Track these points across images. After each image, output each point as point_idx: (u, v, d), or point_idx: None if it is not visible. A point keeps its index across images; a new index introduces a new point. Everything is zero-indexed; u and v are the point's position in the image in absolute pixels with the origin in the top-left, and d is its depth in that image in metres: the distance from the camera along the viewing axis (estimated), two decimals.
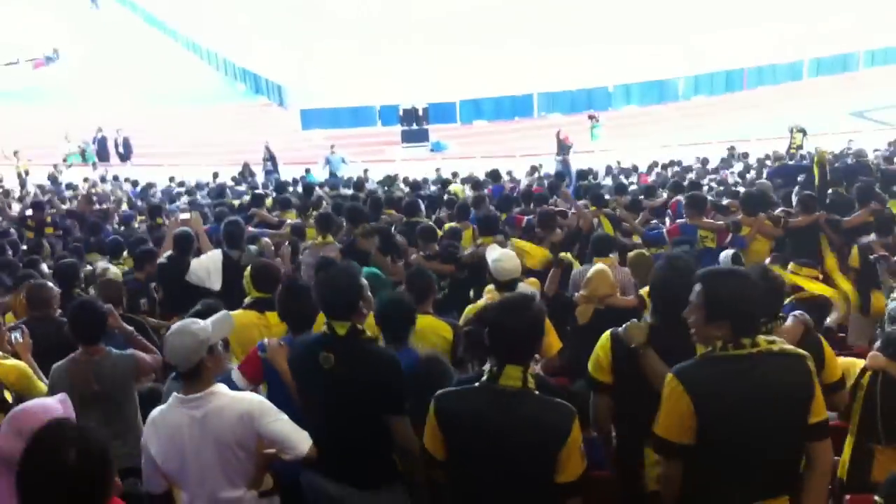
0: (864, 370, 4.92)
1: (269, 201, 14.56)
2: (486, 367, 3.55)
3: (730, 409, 3.29)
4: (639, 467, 4.07)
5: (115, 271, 8.55)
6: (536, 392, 3.47)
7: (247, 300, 6.19)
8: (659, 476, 3.59)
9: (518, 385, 3.43)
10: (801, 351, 3.45)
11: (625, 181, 17.24)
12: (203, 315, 4.44)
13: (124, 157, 32.66)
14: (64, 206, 16.58)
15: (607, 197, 12.46)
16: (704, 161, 22.85)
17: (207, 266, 7.46)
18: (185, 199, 19.46)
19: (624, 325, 4.13)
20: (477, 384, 3.53)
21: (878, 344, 5.06)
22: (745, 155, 23.97)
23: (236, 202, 16.15)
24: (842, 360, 5.14)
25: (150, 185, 22.85)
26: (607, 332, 4.22)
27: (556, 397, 3.56)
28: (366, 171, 23.49)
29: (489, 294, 6.48)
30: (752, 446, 3.32)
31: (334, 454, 4.11)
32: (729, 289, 3.43)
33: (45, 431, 2.68)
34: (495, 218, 9.93)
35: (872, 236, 8.40)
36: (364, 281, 4.33)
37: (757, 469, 3.34)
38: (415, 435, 4.03)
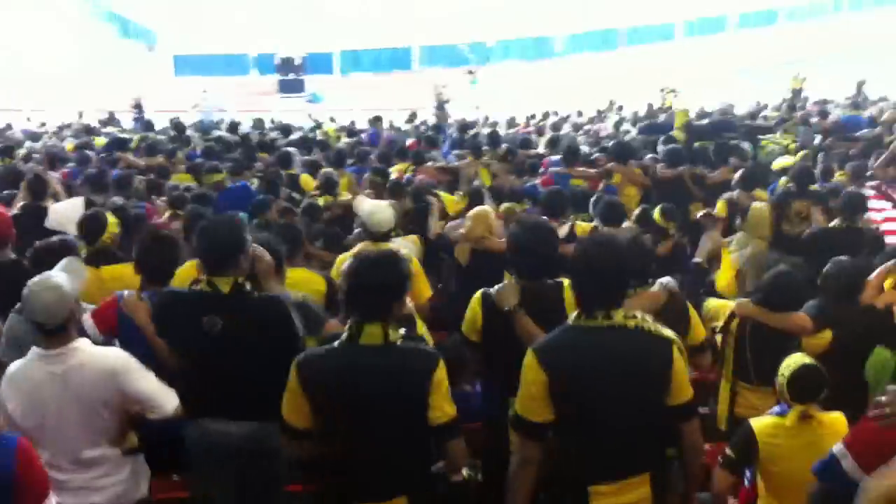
0: (731, 316, 5.11)
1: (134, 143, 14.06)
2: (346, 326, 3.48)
3: (579, 381, 3.28)
4: (503, 418, 4.06)
5: None
6: (399, 343, 3.43)
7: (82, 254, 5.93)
8: (511, 461, 3.51)
9: (379, 342, 3.37)
10: (664, 332, 3.40)
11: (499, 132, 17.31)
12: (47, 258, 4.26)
13: None
14: None
15: (484, 148, 12.50)
16: (579, 113, 23.25)
17: (67, 212, 7.10)
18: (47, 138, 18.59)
19: (496, 287, 4.14)
20: (336, 343, 3.45)
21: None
22: (621, 108, 24.43)
23: (101, 141, 15.43)
24: (717, 302, 5.45)
25: (7, 126, 21.73)
26: (479, 293, 4.25)
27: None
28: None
29: (363, 248, 6.42)
30: (605, 423, 3.30)
31: (227, 398, 4.02)
32: (579, 255, 3.40)
33: None
34: None
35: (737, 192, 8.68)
36: (247, 234, 4.17)
37: (611, 447, 3.32)
38: None
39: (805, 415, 4.09)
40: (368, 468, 3.41)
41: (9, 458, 2.39)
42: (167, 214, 8.17)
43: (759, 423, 4.19)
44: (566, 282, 4.11)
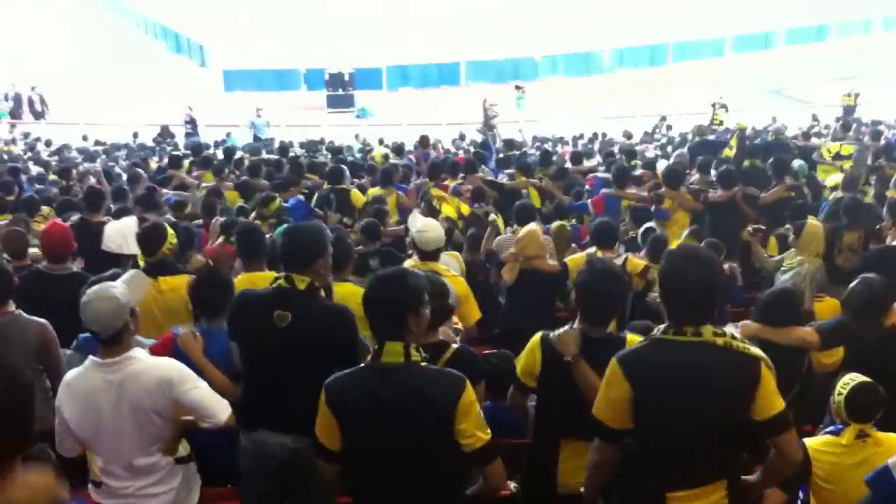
0: None
1: (186, 164, 14.26)
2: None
3: (663, 395, 3.27)
4: (551, 467, 4.07)
5: None
6: (423, 363, 3.41)
7: (141, 265, 6.08)
8: (588, 460, 3.55)
9: (400, 360, 3.35)
10: (752, 350, 3.35)
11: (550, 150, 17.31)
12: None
13: (40, 114, 31.72)
14: None
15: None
16: (628, 135, 23.13)
17: (123, 231, 7.23)
18: (102, 158, 18.95)
19: (555, 333, 4.08)
20: (362, 364, 3.47)
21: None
22: (669, 128, 24.32)
23: (154, 164, 15.76)
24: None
25: (65, 147, 22.15)
26: (538, 336, 4.16)
27: (477, 367, 3.58)
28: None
29: (410, 263, 6.45)
30: (685, 434, 3.30)
31: (282, 408, 4.06)
32: (672, 271, 3.36)
33: None
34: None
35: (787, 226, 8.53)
36: (329, 244, 4.27)
37: (689, 457, 3.32)
38: None
39: (862, 433, 4.06)
40: (398, 490, 3.40)
41: None
42: (220, 240, 8.27)
43: (813, 443, 4.15)
44: (630, 336, 4.09)
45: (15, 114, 31.60)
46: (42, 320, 4.98)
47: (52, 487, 2.32)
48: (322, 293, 4.23)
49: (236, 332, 4.35)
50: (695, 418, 3.28)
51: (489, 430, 3.40)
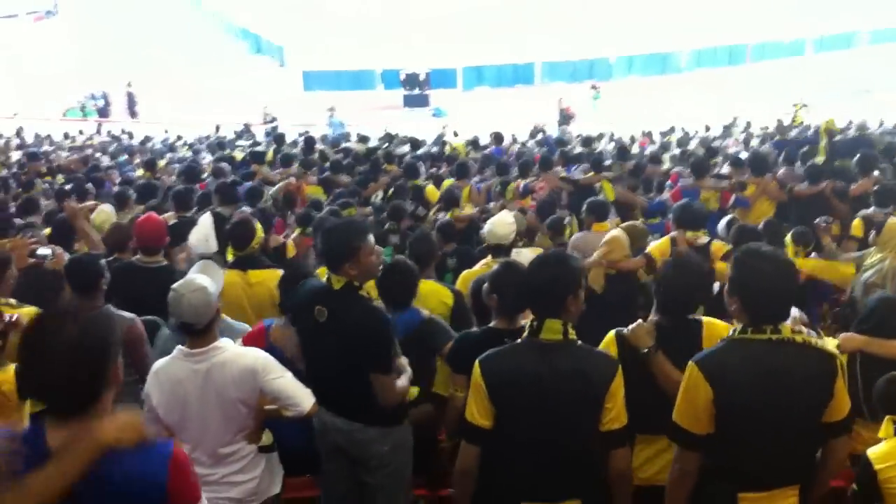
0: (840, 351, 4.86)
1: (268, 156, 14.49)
2: (525, 323, 3.58)
3: (745, 395, 3.23)
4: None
5: (107, 210, 8.46)
6: (579, 343, 3.49)
7: (229, 259, 6.21)
8: (671, 470, 3.51)
9: (559, 338, 3.44)
10: (829, 348, 3.35)
11: (627, 146, 17.16)
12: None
13: (132, 113, 32.59)
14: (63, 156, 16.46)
15: (608, 162, 12.39)
16: (707, 128, 22.82)
17: (204, 233, 7.34)
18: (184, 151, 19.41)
19: (630, 327, 4.05)
20: (519, 341, 3.54)
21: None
22: (749, 124, 23.88)
23: (238, 154, 15.99)
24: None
25: (147, 139, 22.72)
26: (611, 334, 4.12)
27: None
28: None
29: (486, 262, 6.46)
30: (764, 435, 3.27)
31: (339, 396, 4.15)
32: (748, 270, 3.32)
33: (49, 312, 2.62)
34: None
35: (872, 208, 8.34)
36: (369, 238, 4.26)
37: (765, 458, 3.30)
38: (397, 392, 4.11)
39: None
40: (543, 467, 3.45)
41: (163, 465, 2.46)
42: (297, 232, 8.37)
43: (874, 452, 4.05)
44: (706, 320, 4.06)
45: (104, 112, 32.44)
46: (132, 316, 5.01)
47: (138, 423, 2.46)
48: (364, 291, 4.21)
49: (293, 321, 4.50)
50: (776, 417, 3.25)
51: (628, 417, 3.47)
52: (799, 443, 3.33)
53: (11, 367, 3.59)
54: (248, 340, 4.85)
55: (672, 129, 23.01)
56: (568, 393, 3.37)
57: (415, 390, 4.43)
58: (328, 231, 4.35)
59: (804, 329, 3.37)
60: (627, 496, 3.59)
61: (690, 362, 3.35)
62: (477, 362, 3.53)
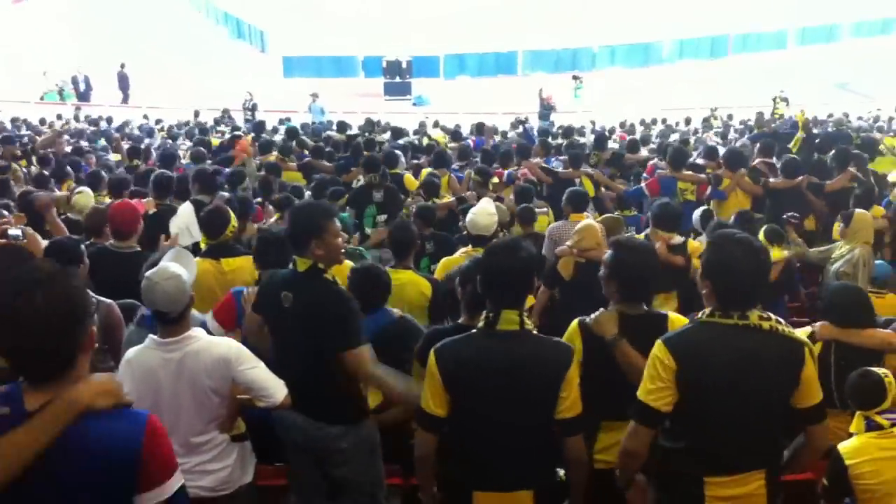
0: (812, 339, 4.91)
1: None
2: (481, 314, 3.55)
3: (710, 375, 3.27)
4: (589, 444, 3.97)
5: (88, 193, 8.39)
6: (534, 331, 3.50)
7: (202, 248, 6.19)
8: (620, 457, 3.55)
9: (516, 328, 3.44)
10: (797, 335, 3.39)
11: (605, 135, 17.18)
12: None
13: (125, 96, 32.54)
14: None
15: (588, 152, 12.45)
16: (688, 120, 22.92)
17: (186, 222, 7.27)
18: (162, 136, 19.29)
19: (592, 316, 4.09)
20: (474, 331, 3.53)
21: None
22: (730, 117, 24.01)
23: (215, 140, 15.93)
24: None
25: (125, 123, 22.57)
26: (575, 323, 4.16)
27: None
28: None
29: (466, 251, 6.45)
30: (727, 418, 3.30)
31: (301, 390, 4.09)
32: (720, 254, 3.37)
33: (15, 273, 2.59)
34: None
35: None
36: (335, 220, 4.23)
37: (729, 442, 3.32)
38: (371, 367, 4.03)
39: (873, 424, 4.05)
40: (495, 457, 3.46)
41: (139, 431, 2.43)
42: (275, 218, 8.32)
43: (845, 447, 4.09)
44: (671, 315, 4.11)
45: (84, 97, 32.24)
46: (109, 301, 4.99)
47: (114, 387, 2.46)
48: (329, 275, 4.16)
49: (258, 306, 4.43)
50: (740, 401, 3.29)
51: (582, 405, 3.47)
52: (764, 426, 3.36)
53: None
54: (220, 310, 4.84)
55: (654, 121, 23.07)
56: (523, 381, 3.39)
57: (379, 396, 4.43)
58: (295, 210, 4.39)
59: (773, 316, 3.37)
60: (582, 483, 3.60)
61: (658, 341, 3.39)
62: (432, 351, 3.53)
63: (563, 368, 3.41)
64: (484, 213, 6.55)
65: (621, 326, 4.01)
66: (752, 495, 3.35)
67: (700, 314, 3.43)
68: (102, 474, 2.39)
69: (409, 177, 10.96)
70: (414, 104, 33.42)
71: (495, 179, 10.57)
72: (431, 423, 3.54)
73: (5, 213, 6.71)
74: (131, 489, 2.43)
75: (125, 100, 32.87)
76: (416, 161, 13.00)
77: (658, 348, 3.36)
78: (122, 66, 32.96)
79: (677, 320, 4.03)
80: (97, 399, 2.38)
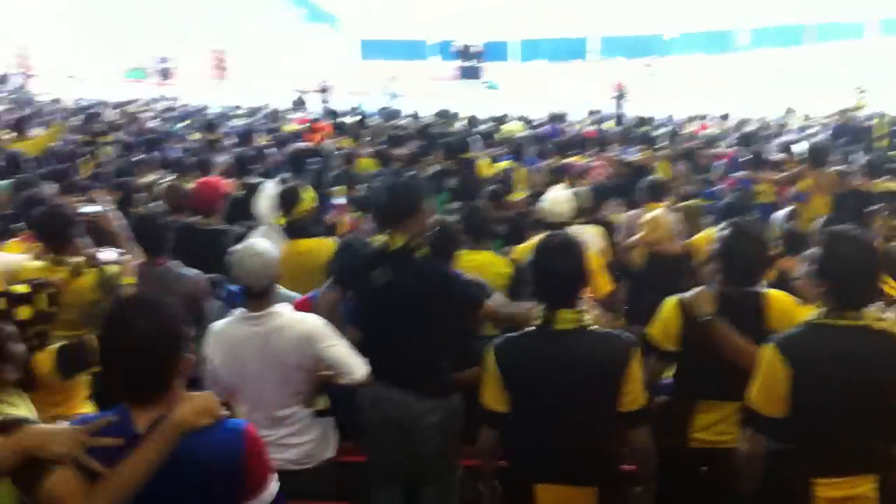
0: None
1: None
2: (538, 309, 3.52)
3: (823, 379, 3.21)
4: (683, 423, 4.00)
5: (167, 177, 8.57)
6: (593, 327, 3.46)
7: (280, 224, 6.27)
8: (739, 452, 3.50)
9: (573, 326, 3.41)
10: None
11: (679, 130, 16.98)
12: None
13: (220, 74, 33.54)
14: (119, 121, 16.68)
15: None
16: (764, 117, 22.45)
17: (268, 202, 7.43)
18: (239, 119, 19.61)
19: (691, 293, 3.99)
20: (532, 328, 3.51)
21: None
22: (807, 117, 23.45)
23: (289, 128, 16.14)
24: None
25: (204, 107, 22.96)
26: (673, 299, 4.04)
27: None
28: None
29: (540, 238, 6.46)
30: (840, 421, 3.24)
31: (396, 365, 4.15)
32: (836, 254, 3.27)
33: (121, 302, 2.76)
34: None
35: None
36: (429, 200, 4.31)
37: (841, 445, 3.27)
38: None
39: None
40: (557, 452, 3.44)
41: (239, 443, 2.57)
42: (357, 215, 8.38)
43: None
44: (770, 291, 3.99)
45: (166, 77, 32.96)
46: (196, 272, 5.16)
47: (212, 404, 2.58)
48: (422, 252, 4.21)
49: (345, 288, 4.44)
50: (853, 404, 3.22)
51: (647, 397, 3.46)
52: (876, 429, 3.29)
53: (52, 349, 3.68)
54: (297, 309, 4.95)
55: (727, 116, 22.66)
56: (583, 378, 3.36)
57: None
58: (391, 187, 4.36)
59: (891, 316, 3.32)
60: (651, 474, 3.57)
61: (770, 343, 3.33)
62: (491, 349, 3.54)
63: (625, 363, 3.37)
64: (559, 199, 6.52)
65: (720, 306, 3.90)
66: (863, 497, 3.29)
67: (813, 314, 3.36)
68: (207, 487, 2.54)
69: (483, 162, 10.94)
70: (486, 88, 33.37)
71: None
72: (493, 420, 3.56)
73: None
74: (235, 499, 2.57)
75: (218, 77, 33.39)
76: (489, 152, 13.00)
77: (770, 352, 3.30)
78: (218, 44, 33.51)
79: (776, 298, 3.92)
80: (199, 418, 2.52)
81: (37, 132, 12.93)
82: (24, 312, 3.62)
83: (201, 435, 2.51)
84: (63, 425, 2.60)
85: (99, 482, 2.45)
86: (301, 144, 10.97)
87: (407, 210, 4.15)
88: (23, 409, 2.82)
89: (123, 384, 2.56)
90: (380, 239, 4.25)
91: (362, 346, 4.23)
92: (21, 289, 3.68)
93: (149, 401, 2.53)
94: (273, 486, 2.66)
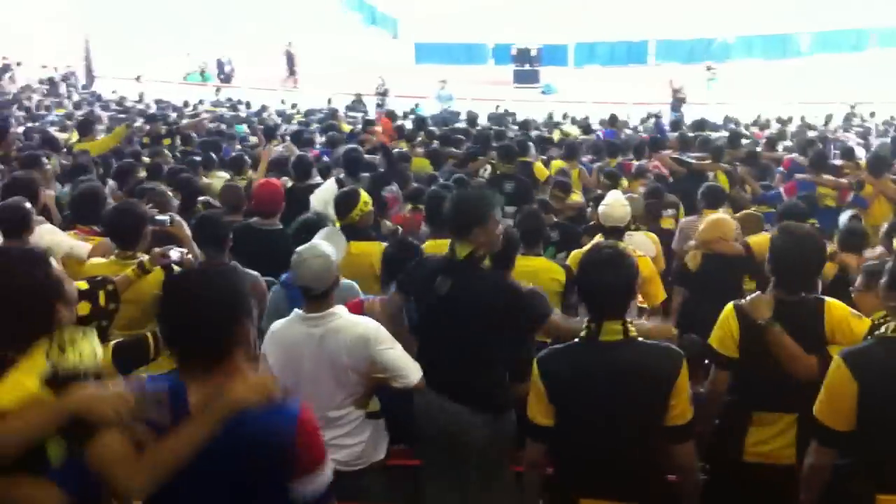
0: None
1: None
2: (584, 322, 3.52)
3: (890, 394, 3.16)
4: (738, 435, 3.98)
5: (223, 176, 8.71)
6: (640, 339, 3.44)
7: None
8: (805, 465, 3.44)
9: (619, 338, 3.39)
10: None
11: (743, 132, 16.78)
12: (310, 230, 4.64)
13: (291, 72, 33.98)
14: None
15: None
16: (827, 118, 22.08)
17: (325, 199, 7.51)
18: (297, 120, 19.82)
19: (748, 298, 3.97)
20: (577, 340, 3.50)
21: None
22: (872, 115, 23.04)
23: (348, 128, 16.28)
24: None
25: (263, 108, 23.25)
26: (730, 305, 4.03)
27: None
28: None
29: (596, 240, 6.45)
30: None
31: (453, 376, 4.16)
32: None
33: (176, 278, 2.82)
34: None
35: None
36: (497, 210, 4.27)
37: None
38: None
39: None
40: (603, 466, 3.41)
41: (291, 425, 2.59)
42: (408, 208, 8.44)
43: None
44: (828, 300, 3.95)
45: (227, 79, 33.45)
46: (255, 273, 5.22)
47: (269, 384, 2.59)
48: (486, 262, 4.22)
49: (406, 294, 4.45)
50: None
51: (693, 410, 3.41)
52: None
53: (110, 345, 3.73)
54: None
55: (790, 119, 22.32)
56: (629, 391, 3.33)
57: None
58: (459, 196, 4.42)
59: None
60: (694, 492, 3.54)
61: (837, 356, 3.29)
62: (535, 362, 3.54)
63: (673, 376, 3.33)
64: (618, 203, 6.47)
65: (776, 312, 3.86)
66: None
67: (882, 328, 3.32)
68: (254, 465, 2.56)
69: (539, 165, 10.94)
70: (542, 92, 33.27)
71: (624, 182, 10.45)
72: (539, 434, 3.55)
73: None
74: (284, 478, 2.60)
75: (291, 74, 33.85)
76: (544, 155, 12.99)
77: (838, 367, 3.25)
78: (290, 44, 33.97)
79: (833, 307, 3.88)
80: (252, 396, 2.53)
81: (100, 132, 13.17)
82: (82, 308, 3.69)
83: (253, 415, 2.52)
84: (116, 387, 2.62)
85: (146, 452, 2.49)
86: (356, 146, 11.02)
87: (474, 221, 4.16)
88: (86, 347, 2.81)
89: (180, 357, 2.60)
90: (438, 245, 4.28)
91: (419, 355, 4.25)
92: (80, 285, 3.74)
93: (207, 371, 2.56)
94: (327, 471, 2.68)
